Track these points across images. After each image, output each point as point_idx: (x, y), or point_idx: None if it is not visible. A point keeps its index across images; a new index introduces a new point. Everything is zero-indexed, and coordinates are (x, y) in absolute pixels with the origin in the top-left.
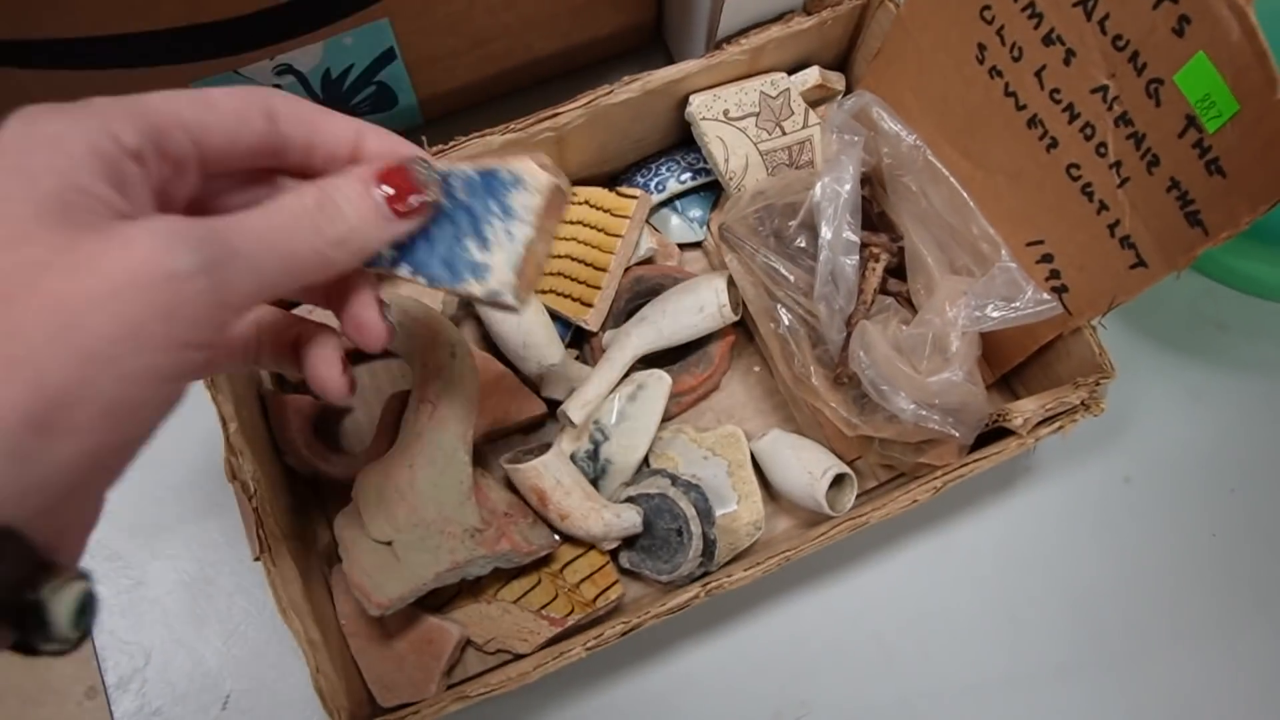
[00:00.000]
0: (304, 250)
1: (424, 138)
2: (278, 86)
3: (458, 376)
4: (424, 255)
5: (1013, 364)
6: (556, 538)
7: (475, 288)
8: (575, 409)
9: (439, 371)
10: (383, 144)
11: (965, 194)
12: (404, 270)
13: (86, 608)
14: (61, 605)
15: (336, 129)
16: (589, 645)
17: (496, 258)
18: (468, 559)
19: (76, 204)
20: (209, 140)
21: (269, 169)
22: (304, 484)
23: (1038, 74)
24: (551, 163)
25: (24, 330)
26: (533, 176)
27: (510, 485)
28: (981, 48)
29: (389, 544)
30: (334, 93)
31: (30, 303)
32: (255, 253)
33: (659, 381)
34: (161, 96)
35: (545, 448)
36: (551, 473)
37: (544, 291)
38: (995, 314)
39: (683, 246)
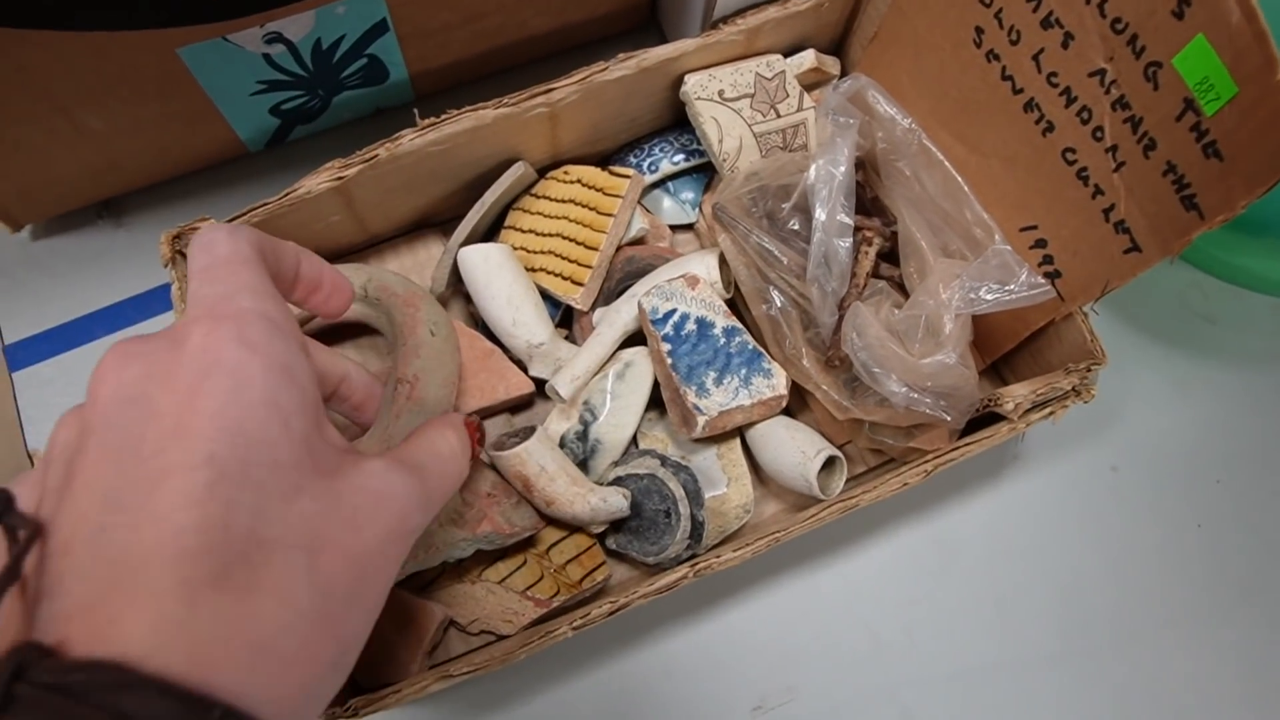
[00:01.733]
0: (453, 487)
1: (415, 111)
2: (266, 55)
3: (437, 355)
4: (684, 349)
5: (1004, 350)
6: (540, 519)
7: (690, 395)
8: (564, 383)
9: (418, 350)
10: (313, 267)
11: (960, 178)
12: (665, 345)
13: None
14: None
15: (303, 260)
16: (575, 625)
17: (715, 398)
18: (448, 542)
19: (318, 446)
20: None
21: None
22: None
23: (1035, 57)
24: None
25: (332, 586)
26: (781, 380)
27: (493, 465)
28: (979, 31)
29: None
30: (324, 64)
31: (330, 562)
32: (438, 497)
33: (647, 359)
34: (255, 276)
35: (529, 432)
36: (535, 459)
37: (534, 270)
38: (989, 296)
39: (674, 228)
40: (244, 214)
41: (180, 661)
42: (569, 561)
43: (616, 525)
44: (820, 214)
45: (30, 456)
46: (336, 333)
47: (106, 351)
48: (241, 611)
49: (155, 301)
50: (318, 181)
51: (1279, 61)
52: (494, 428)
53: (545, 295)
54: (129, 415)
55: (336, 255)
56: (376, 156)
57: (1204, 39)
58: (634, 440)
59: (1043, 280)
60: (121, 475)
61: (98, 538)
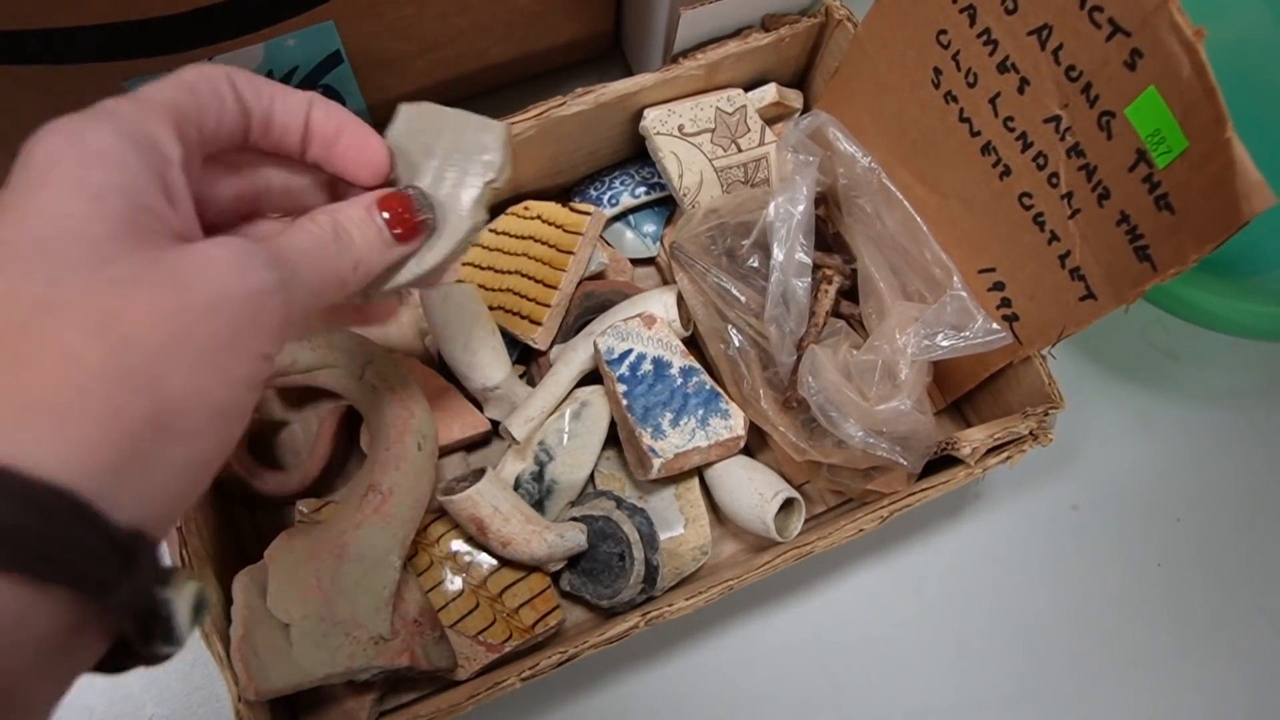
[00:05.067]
0: (330, 274)
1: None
2: None
3: (418, 472)
4: (640, 389)
5: (963, 390)
6: (455, 660)
7: (646, 438)
8: (517, 425)
9: (400, 461)
10: (330, 118)
11: (919, 218)
12: (621, 386)
13: (202, 605)
14: (184, 604)
15: (290, 103)
16: (524, 675)
17: (671, 440)
18: (363, 666)
19: (146, 225)
20: (204, 128)
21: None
22: (235, 501)
23: (992, 101)
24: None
25: (137, 340)
26: (738, 421)
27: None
28: (937, 72)
29: (287, 626)
30: None
31: (135, 316)
32: (304, 274)
33: (604, 398)
34: (158, 90)
35: (479, 474)
36: (488, 500)
37: (492, 308)
38: (945, 343)
39: (635, 262)
40: None
41: (51, 467)
42: (522, 605)
43: (571, 566)
44: (778, 254)
45: None
46: (311, 395)
47: None
48: (16, 373)
49: None
50: None
51: (1228, 118)
52: (449, 467)
53: (503, 332)
54: None
55: None
56: None
57: (1155, 91)
58: (591, 480)
59: (998, 326)
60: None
61: None
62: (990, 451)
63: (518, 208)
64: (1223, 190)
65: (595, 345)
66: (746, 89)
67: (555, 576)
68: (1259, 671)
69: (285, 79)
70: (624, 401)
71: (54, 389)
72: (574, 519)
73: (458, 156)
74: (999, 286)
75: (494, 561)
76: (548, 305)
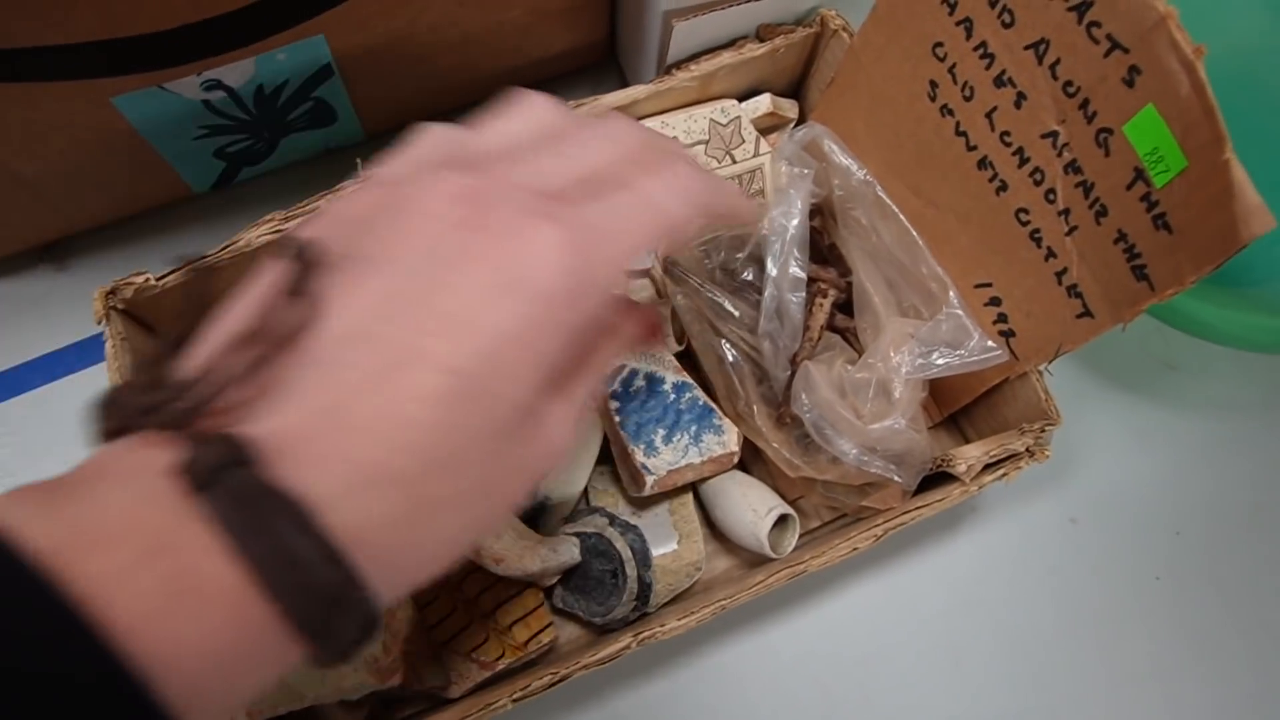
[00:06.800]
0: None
1: (359, 161)
2: (206, 101)
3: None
4: (633, 406)
5: (960, 404)
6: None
7: (638, 455)
8: None
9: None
10: None
11: (915, 232)
12: (613, 403)
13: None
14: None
15: None
16: (515, 697)
17: (664, 457)
18: (354, 686)
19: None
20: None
21: None
22: None
23: (989, 115)
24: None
25: (488, 522)
26: (732, 437)
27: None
28: (933, 85)
29: None
30: (268, 108)
31: (497, 500)
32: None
33: (596, 414)
34: None
35: None
36: None
37: None
38: (941, 361)
39: (629, 273)
40: (183, 267)
41: (346, 531)
42: (515, 623)
43: (564, 582)
44: (773, 268)
45: None
46: None
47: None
48: (417, 521)
49: (96, 349)
50: (257, 234)
51: (1227, 138)
52: None
53: None
54: (436, 254)
55: None
56: (317, 209)
57: (1154, 109)
58: (585, 496)
59: (994, 344)
60: (394, 320)
61: (339, 366)
62: (986, 468)
63: None
64: (1221, 212)
65: None
66: (741, 99)
67: (548, 593)
68: (1260, 685)
69: (275, 92)
70: (616, 418)
71: (437, 547)
72: (565, 535)
73: None
74: (995, 302)
75: (486, 578)
76: None
